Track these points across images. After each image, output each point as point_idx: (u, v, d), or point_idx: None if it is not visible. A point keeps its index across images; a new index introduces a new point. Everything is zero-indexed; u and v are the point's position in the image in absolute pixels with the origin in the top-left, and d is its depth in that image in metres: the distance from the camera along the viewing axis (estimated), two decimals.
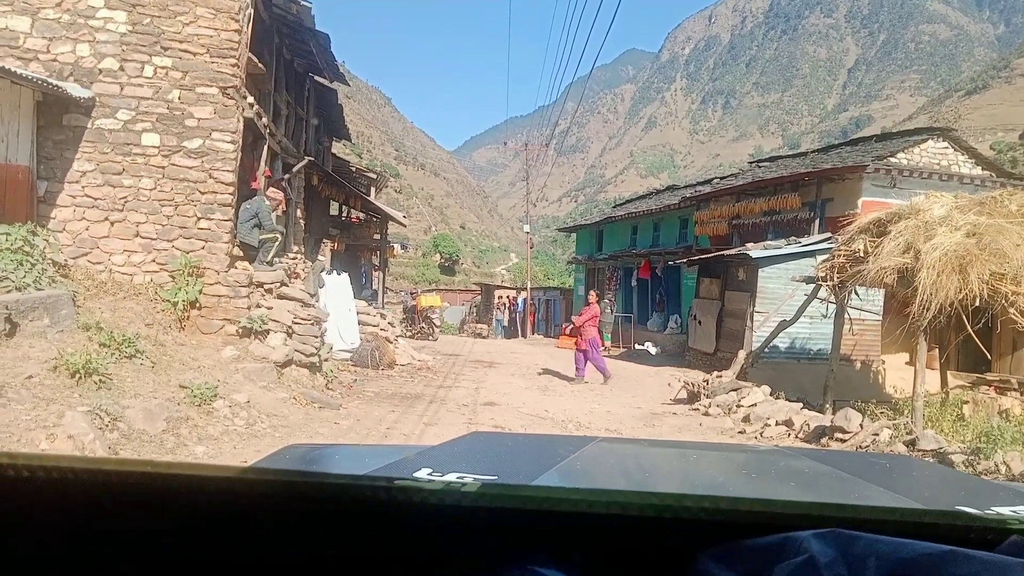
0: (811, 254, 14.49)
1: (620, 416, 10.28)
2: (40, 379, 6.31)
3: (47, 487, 0.69)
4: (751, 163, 26.88)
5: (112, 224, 9.36)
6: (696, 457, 2.05)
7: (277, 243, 10.59)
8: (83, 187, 9.29)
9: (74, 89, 9.04)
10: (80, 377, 6.48)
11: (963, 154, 17.83)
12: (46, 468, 0.69)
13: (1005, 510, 1.32)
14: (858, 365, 14.42)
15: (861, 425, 8.13)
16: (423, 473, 1.40)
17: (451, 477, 1.37)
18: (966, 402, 10.12)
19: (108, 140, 9.33)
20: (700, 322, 18.19)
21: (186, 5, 9.51)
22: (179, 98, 9.49)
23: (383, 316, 15.95)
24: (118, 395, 6.62)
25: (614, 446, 2.25)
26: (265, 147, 11.69)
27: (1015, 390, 10.82)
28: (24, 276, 7.56)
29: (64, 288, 7.86)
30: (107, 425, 5.96)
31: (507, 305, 37.08)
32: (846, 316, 10.94)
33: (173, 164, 9.48)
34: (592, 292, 15.58)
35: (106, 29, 9.35)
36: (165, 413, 6.58)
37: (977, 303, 8.21)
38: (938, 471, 2.27)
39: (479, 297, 45.43)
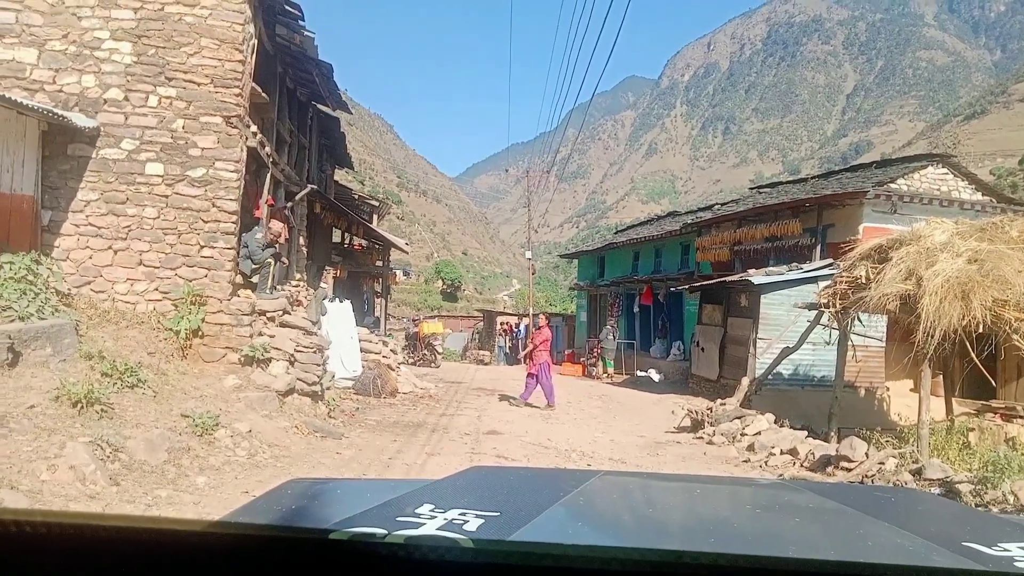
0: (813, 280, 14.49)
1: (623, 445, 10.21)
2: (42, 409, 6.29)
3: (14, 541, 0.67)
4: (752, 189, 26.99)
5: (115, 253, 9.40)
6: (700, 492, 2.03)
7: (272, 267, 10.59)
8: (87, 216, 9.34)
9: (79, 119, 9.13)
10: (82, 407, 6.46)
11: (963, 180, 17.88)
12: (17, 523, 0.67)
13: (1013, 547, 1.31)
14: (862, 392, 14.35)
15: (866, 454, 8.07)
16: (425, 509, 1.39)
17: (453, 514, 1.36)
18: (972, 429, 10.05)
19: (112, 169, 9.40)
20: (703, 349, 18.13)
21: (191, 36, 9.63)
22: (183, 127, 9.57)
23: (385, 343, 15.92)
24: (120, 425, 6.59)
25: (617, 480, 2.23)
26: (268, 175, 11.76)
27: (1021, 417, 10.75)
28: (27, 305, 7.57)
29: (67, 317, 7.86)
30: (108, 456, 5.93)
31: (508, 331, 37.02)
32: (849, 343, 10.91)
33: (177, 193, 9.53)
34: (542, 315, 15.34)
35: (111, 60, 9.46)
36: (167, 443, 6.55)
37: (981, 330, 8.19)
38: (945, 505, 2.24)
39: (481, 323, 45.39)
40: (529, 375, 13.80)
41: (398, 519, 1.32)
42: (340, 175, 25.39)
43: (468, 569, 0.71)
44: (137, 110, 9.49)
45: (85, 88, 9.40)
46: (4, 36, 9.22)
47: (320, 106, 16.00)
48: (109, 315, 8.94)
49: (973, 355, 8.54)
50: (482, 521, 1.32)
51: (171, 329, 9.05)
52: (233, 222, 9.75)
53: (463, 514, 1.36)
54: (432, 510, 1.39)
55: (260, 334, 9.75)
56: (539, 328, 14.25)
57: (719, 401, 12.32)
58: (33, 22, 9.29)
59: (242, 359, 9.32)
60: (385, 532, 1.08)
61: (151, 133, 9.50)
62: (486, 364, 31.67)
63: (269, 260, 10.54)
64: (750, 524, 1.66)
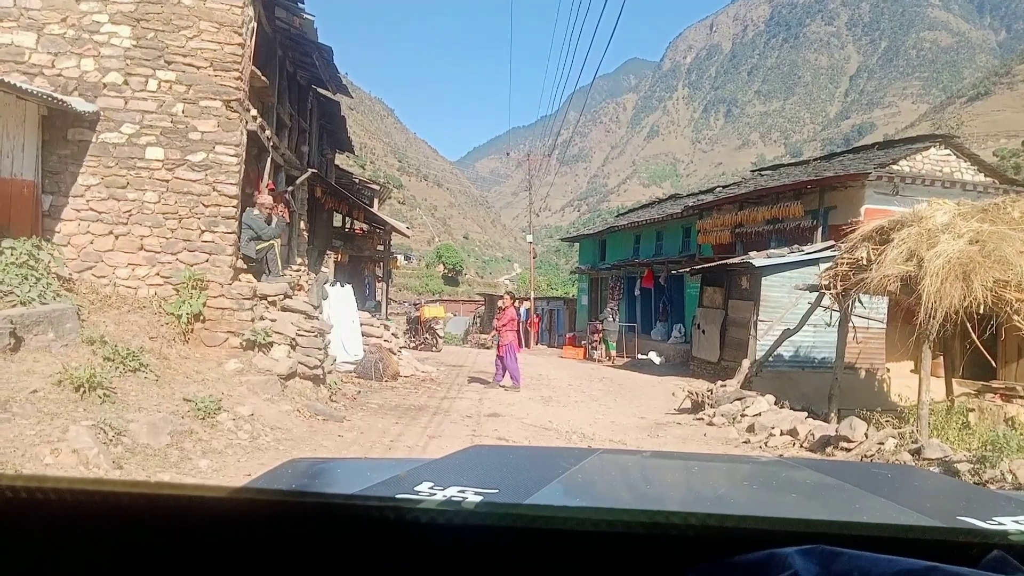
0: (814, 262, 14.48)
1: (624, 426, 10.25)
2: (44, 393, 6.33)
3: (32, 508, 0.69)
4: (753, 171, 26.91)
5: (116, 238, 9.40)
6: (698, 469, 2.05)
7: (275, 248, 10.62)
8: (87, 201, 9.34)
9: (79, 103, 9.11)
10: (84, 391, 6.50)
11: (966, 161, 17.82)
12: (29, 489, 0.69)
13: (1008, 520, 1.32)
14: (863, 373, 14.38)
15: (866, 434, 8.10)
16: (424, 487, 1.41)
17: (452, 491, 1.37)
18: (971, 410, 10.09)
19: (112, 154, 9.38)
20: (704, 331, 18.16)
21: (190, 19, 9.58)
22: (183, 112, 9.54)
23: (386, 327, 15.95)
24: (122, 409, 6.63)
25: (616, 458, 2.25)
26: (268, 159, 11.74)
27: (1021, 397, 10.78)
28: (29, 290, 7.60)
29: (68, 302, 7.89)
30: (111, 439, 5.97)
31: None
32: (850, 324, 10.92)
33: (177, 177, 9.52)
34: (506, 296, 15.07)
35: (110, 44, 9.42)
36: (169, 427, 6.59)
37: (982, 310, 8.20)
38: (941, 481, 2.26)
39: (483, 307, 45.42)
40: (497, 356, 13.77)
41: (398, 496, 1.34)
42: (341, 159, 25.34)
43: (475, 531, 0.73)
44: (137, 94, 9.46)
45: (84, 72, 9.37)
46: (2, 20, 9.17)
47: (320, 90, 15.94)
48: (111, 300, 8.97)
49: (974, 336, 8.56)
50: (481, 498, 1.33)
51: (173, 314, 9.08)
52: (234, 206, 9.75)
53: (462, 491, 1.37)
54: (432, 487, 1.40)
55: (262, 318, 9.77)
56: (503, 309, 13.99)
57: (720, 383, 12.36)
58: (31, 5, 9.24)
59: (244, 343, 9.35)
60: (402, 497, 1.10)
61: (151, 117, 9.47)
62: (487, 348, 31.69)
63: (275, 233, 10.57)
64: (747, 499, 1.67)
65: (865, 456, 7.60)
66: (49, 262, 8.39)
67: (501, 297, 15.07)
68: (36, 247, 8.31)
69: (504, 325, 13.60)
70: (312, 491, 1.37)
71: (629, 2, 12.67)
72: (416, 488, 1.40)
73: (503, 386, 13.41)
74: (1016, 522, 1.31)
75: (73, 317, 7.66)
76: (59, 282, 8.38)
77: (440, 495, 1.35)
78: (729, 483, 1.85)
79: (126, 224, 9.41)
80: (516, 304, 14.06)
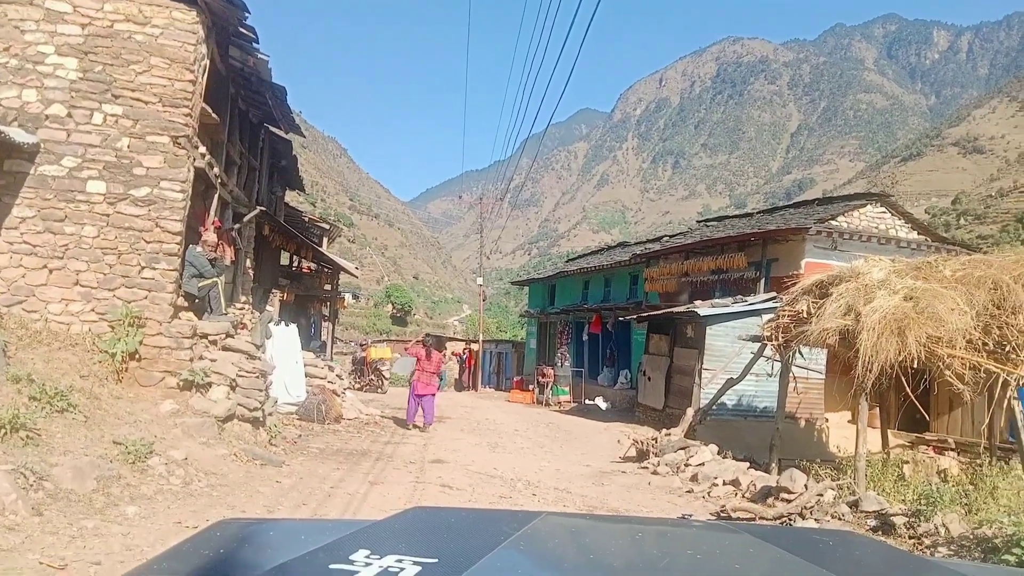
0: (757, 313, 14.80)
1: (569, 475, 10.19)
2: None
3: None
4: (699, 222, 27.55)
5: (51, 272, 9.07)
6: (641, 536, 2.03)
7: (220, 285, 10.39)
8: (22, 233, 9.01)
9: (17, 134, 8.83)
10: (6, 433, 6.17)
11: (900, 218, 18.60)
12: None
13: None
14: (803, 423, 14.64)
15: (806, 485, 8.21)
16: (360, 555, 1.36)
17: (389, 560, 1.32)
18: (906, 462, 10.33)
19: (51, 187, 9.11)
20: (649, 378, 18.32)
21: (140, 54, 9.45)
22: (128, 146, 9.34)
23: (331, 368, 15.68)
24: (46, 452, 6.31)
25: (560, 522, 2.22)
26: (216, 196, 11.55)
27: (952, 450, 11.11)
28: None
29: None
30: (32, 484, 5.67)
31: (459, 356, 36.79)
32: (791, 375, 11.14)
33: (119, 212, 9.27)
34: (418, 338, 15.39)
35: (55, 75, 9.21)
36: (96, 471, 6.29)
37: (916, 365, 8.46)
38: (881, 551, 2.29)
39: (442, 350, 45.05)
40: (421, 395, 13.79)
41: (331, 567, 1.29)
42: (291, 196, 25.09)
43: None
44: (80, 127, 9.24)
45: (26, 103, 9.12)
46: None
47: (272, 128, 15.84)
48: (41, 336, 8.60)
49: (908, 389, 8.81)
50: (419, 569, 1.29)
51: (107, 351, 8.74)
52: (177, 243, 9.53)
53: (400, 560, 1.32)
54: (368, 556, 1.35)
55: (201, 358, 9.49)
56: (431, 353, 14.04)
57: (664, 431, 12.44)
58: None
59: (181, 383, 9.05)
60: None
61: (94, 151, 9.25)
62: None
63: (216, 272, 10.34)
64: (691, 572, 1.66)
65: (805, 508, 7.69)
66: None
67: (420, 342, 15.17)
68: None
69: (436, 371, 13.90)
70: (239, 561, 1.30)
71: (582, 54, 12.99)
72: (351, 557, 1.35)
73: (416, 425, 13.52)
74: None
75: None
76: None
77: (376, 564, 1.30)
78: (673, 553, 1.83)
79: (62, 258, 9.10)
80: (433, 348, 14.36)
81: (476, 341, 37.03)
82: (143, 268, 9.31)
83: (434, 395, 13.98)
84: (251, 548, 1.65)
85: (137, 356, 9.00)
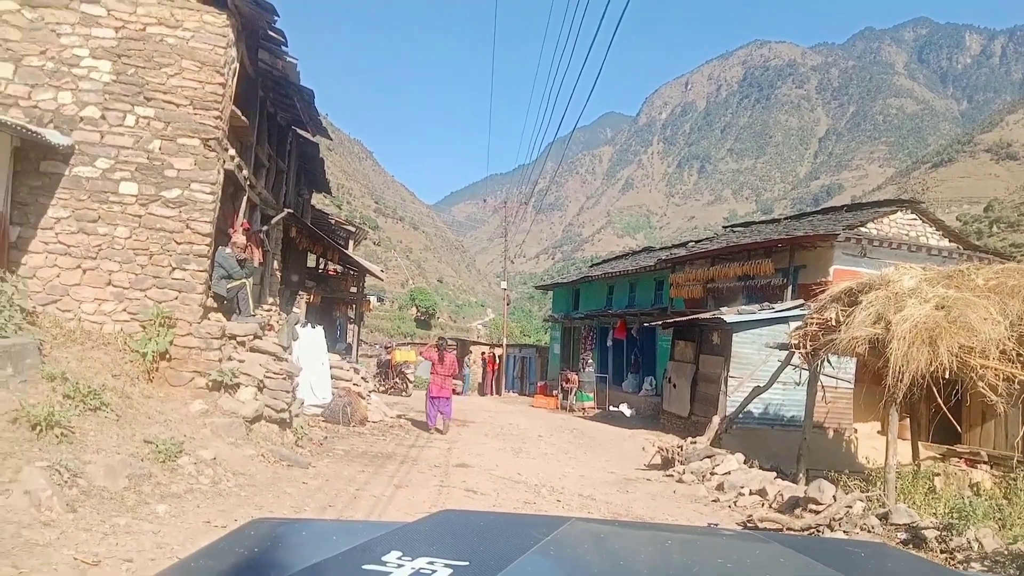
0: (784, 320, 14.65)
1: (593, 481, 10.15)
2: None
3: None
4: (726, 228, 27.36)
5: (84, 272, 9.22)
6: (670, 543, 2.02)
7: (249, 286, 10.50)
8: (57, 234, 9.17)
9: (53, 136, 9.00)
10: (41, 430, 6.29)
11: (931, 225, 18.31)
12: None
13: None
14: (831, 433, 14.45)
15: (834, 496, 8.11)
16: (392, 556, 1.37)
17: (421, 562, 1.33)
18: (937, 474, 10.16)
19: (85, 188, 9.26)
20: (675, 385, 18.20)
21: (172, 57, 9.59)
22: (160, 148, 9.48)
23: (356, 371, 15.77)
24: (80, 450, 6.42)
25: (588, 528, 2.21)
26: (245, 198, 11.68)
27: (985, 463, 10.89)
28: None
29: (30, 336, 7.67)
30: (66, 481, 5.77)
31: (489, 361, 36.63)
32: (819, 384, 11.01)
33: (150, 213, 9.41)
34: (434, 345, 15.35)
35: (90, 78, 9.37)
36: (128, 469, 6.39)
37: (947, 375, 8.32)
38: (915, 564, 2.25)
39: (455, 352, 45.09)
40: (441, 397, 13.98)
41: (364, 567, 1.30)
42: (317, 199, 25.34)
43: None
44: (114, 129, 9.39)
45: (61, 105, 9.29)
46: None
47: (300, 131, 15.99)
48: (74, 335, 8.75)
49: (940, 400, 8.66)
50: (451, 571, 1.29)
51: (138, 351, 8.87)
52: (207, 244, 9.65)
53: (431, 563, 1.33)
54: (400, 557, 1.36)
55: (229, 359, 9.59)
56: (444, 354, 14.28)
57: (690, 439, 12.35)
58: (10, 36, 9.18)
59: (210, 384, 9.16)
60: None
61: (127, 153, 9.39)
62: (458, 394, 31.45)
63: (245, 274, 10.46)
64: None
65: (833, 519, 7.59)
66: (12, 294, 8.17)
67: (434, 346, 15.10)
68: (0, 279, 8.11)
69: (451, 374, 14.14)
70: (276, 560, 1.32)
71: (608, 57, 12.95)
72: (383, 558, 1.36)
73: (438, 429, 13.67)
74: None
75: (34, 352, 7.45)
76: (22, 315, 8.15)
77: (408, 566, 1.31)
78: (703, 560, 1.82)
79: (95, 259, 9.25)
80: (447, 351, 14.59)
81: (500, 345, 37.03)
82: (174, 269, 9.44)
83: (449, 398, 14.15)
84: (284, 548, 1.67)
85: (167, 356, 9.12)
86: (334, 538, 1.64)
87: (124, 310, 9.26)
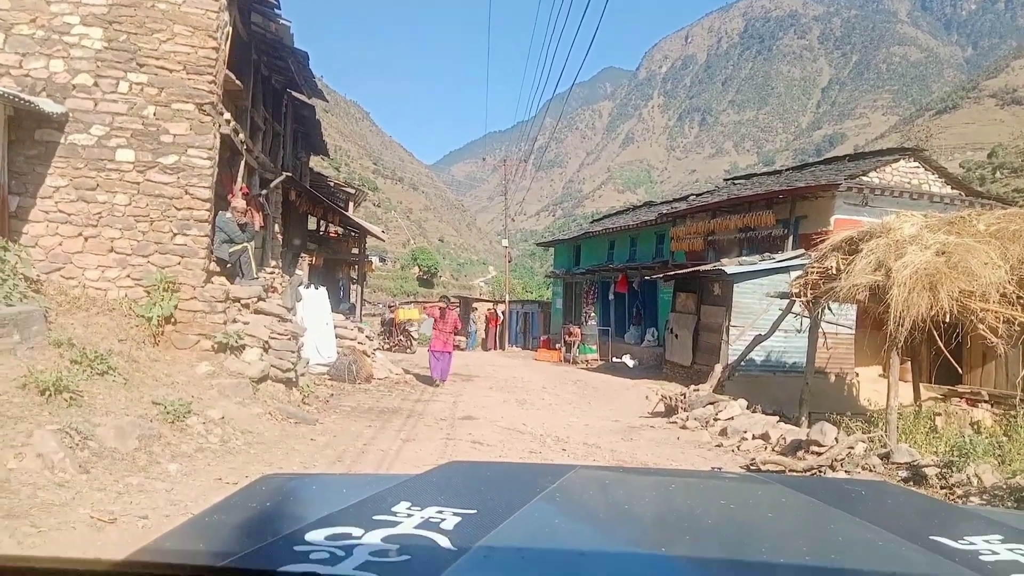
0: (785, 270, 14.67)
1: (598, 429, 10.30)
2: (8, 397, 6.20)
3: None
4: (726, 180, 27.18)
5: (86, 239, 9.26)
6: (673, 487, 2.06)
7: (248, 251, 10.55)
8: (56, 202, 9.19)
9: (47, 104, 8.95)
10: (50, 395, 6.38)
11: (933, 173, 18.16)
12: None
13: (978, 540, 1.36)
14: (832, 378, 14.58)
15: (836, 439, 8.22)
16: (402, 507, 1.40)
17: (430, 511, 1.37)
18: (938, 414, 10.27)
19: (82, 156, 9.24)
20: (677, 336, 18.31)
21: (163, 23, 9.48)
22: (154, 114, 9.43)
23: (361, 330, 15.88)
24: (89, 413, 6.52)
25: (594, 474, 2.26)
26: (242, 163, 11.64)
27: (986, 402, 11.01)
28: None
29: (36, 304, 7.73)
30: (77, 444, 5.87)
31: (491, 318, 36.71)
32: (820, 331, 11.07)
33: (148, 180, 9.40)
34: (441, 301, 16.09)
35: (81, 45, 9.29)
36: (137, 431, 6.49)
37: (948, 319, 8.36)
38: (913, 499, 2.29)
39: (458, 309, 45.18)
40: (445, 351, 14.49)
41: (374, 518, 1.33)
42: (315, 162, 25.17)
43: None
44: (107, 96, 9.33)
45: (53, 73, 9.22)
46: None
47: (295, 93, 15.84)
48: (79, 302, 8.82)
49: (940, 343, 8.72)
50: (459, 519, 1.33)
51: (143, 316, 8.95)
52: (207, 210, 9.66)
53: (440, 511, 1.37)
54: (409, 507, 1.39)
55: (234, 321, 9.67)
56: (446, 311, 14.92)
57: (692, 387, 12.47)
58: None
59: (215, 346, 9.25)
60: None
61: (121, 119, 9.35)
62: (461, 350, 31.62)
63: (247, 238, 10.49)
64: (725, 521, 1.69)
65: (835, 460, 7.71)
66: (16, 263, 8.21)
67: (441, 303, 15.62)
68: (3, 248, 8.14)
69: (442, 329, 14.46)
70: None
71: (606, 12, 12.76)
72: (394, 508, 1.39)
73: (438, 382, 14.12)
74: (986, 541, 1.35)
75: (40, 319, 7.51)
76: (26, 283, 8.21)
77: (418, 516, 1.35)
78: (706, 503, 1.85)
79: (96, 226, 9.27)
80: (449, 309, 15.18)
81: (503, 301, 37.14)
82: (175, 235, 9.47)
83: (450, 353, 14.63)
84: (296, 501, 1.71)
85: (172, 320, 9.20)
86: (344, 491, 1.68)
87: (128, 276, 9.31)
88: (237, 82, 10.77)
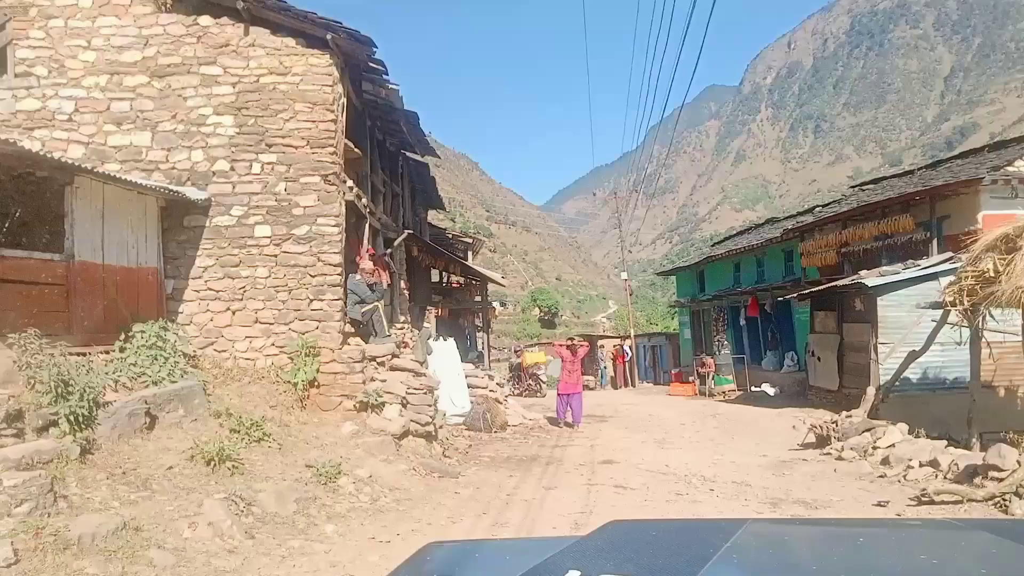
0: (933, 277, 13.64)
1: (746, 466, 9.82)
2: (179, 469, 6.64)
3: None
4: (853, 187, 25.83)
5: (233, 313, 9.90)
6: (863, 540, 1.85)
7: (379, 310, 10.91)
8: (205, 281, 9.92)
9: (192, 192, 9.74)
10: (215, 464, 6.78)
11: None
12: None
13: None
14: (1002, 392, 13.29)
15: (1018, 461, 7.43)
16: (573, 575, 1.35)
17: None
18: None
19: (225, 235, 9.95)
20: (819, 358, 17.34)
21: (285, 103, 10.13)
22: (285, 189, 10.04)
23: (491, 377, 16.04)
24: (250, 479, 6.87)
25: (769, 530, 2.10)
26: (367, 225, 12.15)
27: None
28: (159, 370, 8.06)
29: (194, 379, 8.30)
30: (242, 510, 6.18)
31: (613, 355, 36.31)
32: (982, 340, 10.17)
33: (284, 251, 9.98)
34: (567, 342, 15.95)
35: (216, 134, 10.07)
36: (295, 494, 6.77)
37: None
38: None
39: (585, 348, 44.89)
40: (572, 394, 14.54)
41: None
42: (433, 215, 25.99)
43: None
44: (243, 178, 10.04)
45: (195, 163, 10.04)
46: (122, 123, 9.98)
47: (409, 153, 16.46)
48: (232, 373, 9.40)
49: None
50: None
51: (289, 381, 9.42)
52: (338, 274, 10.11)
53: None
54: None
55: (372, 379, 10.00)
56: (575, 348, 15.08)
57: (843, 413, 11.71)
58: (145, 107, 10.02)
59: (357, 405, 9.58)
60: None
61: (257, 198, 10.02)
62: (591, 389, 31.32)
63: (377, 297, 10.89)
64: None
65: (1020, 486, 6.97)
66: (175, 341, 8.88)
67: (569, 344, 15.67)
68: (163, 328, 8.82)
69: (571, 370, 14.56)
70: None
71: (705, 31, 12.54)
72: None
73: (568, 423, 14.18)
74: None
75: (200, 393, 8.05)
76: (185, 360, 8.85)
77: None
78: (905, 560, 1.65)
79: (241, 299, 9.91)
80: (576, 347, 15.32)
81: (627, 336, 36.60)
82: (311, 301, 9.96)
83: (580, 393, 14.63)
84: (462, 572, 1.68)
85: (316, 383, 9.62)
86: (507, 558, 1.64)
87: (272, 344, 9.85)
88: (356, 149, 11.30)
